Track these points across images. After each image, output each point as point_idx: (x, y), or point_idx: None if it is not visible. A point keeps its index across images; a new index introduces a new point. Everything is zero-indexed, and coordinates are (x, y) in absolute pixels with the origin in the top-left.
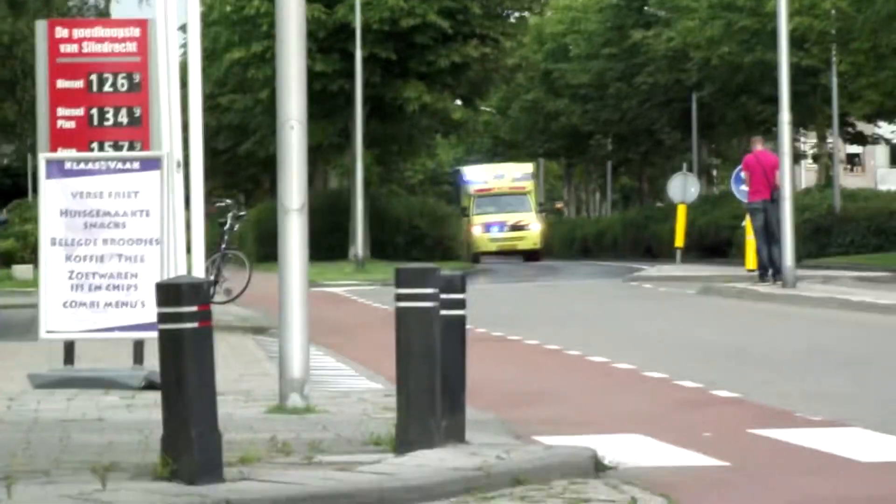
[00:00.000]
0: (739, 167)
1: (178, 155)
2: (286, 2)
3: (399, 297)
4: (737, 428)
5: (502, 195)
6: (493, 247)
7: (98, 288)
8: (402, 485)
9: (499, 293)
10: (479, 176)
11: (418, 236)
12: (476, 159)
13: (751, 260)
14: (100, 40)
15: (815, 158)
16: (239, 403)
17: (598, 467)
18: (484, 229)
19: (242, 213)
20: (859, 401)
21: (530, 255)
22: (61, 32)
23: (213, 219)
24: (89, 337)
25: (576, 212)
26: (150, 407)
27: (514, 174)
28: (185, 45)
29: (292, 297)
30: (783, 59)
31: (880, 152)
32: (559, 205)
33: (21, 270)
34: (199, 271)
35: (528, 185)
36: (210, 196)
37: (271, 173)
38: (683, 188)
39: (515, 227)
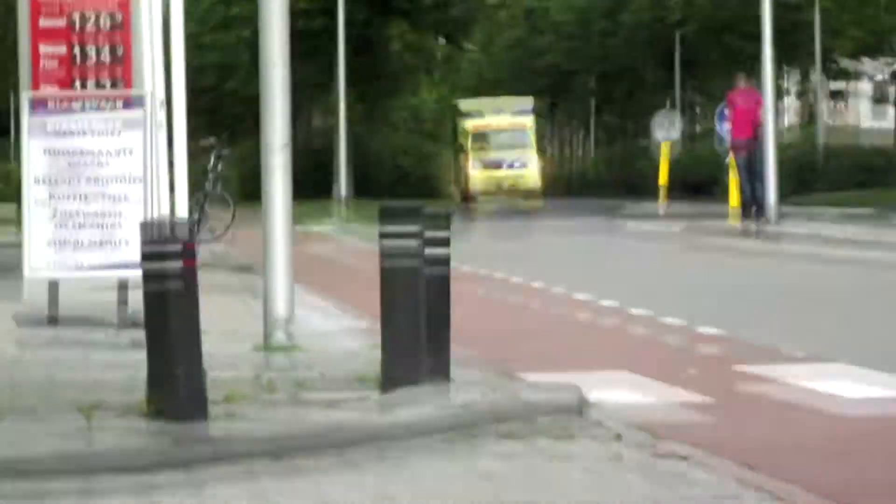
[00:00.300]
0: (723, 104)
1: (161, 93)
2: None
3: (383, 235)
4: (721, 365)
5: (501, 131)
6: (491, 186)
7: (82, 226)
8: (387, 422)
9: (483, 230)
10: (476, 110)
11: (403, 174)
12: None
13: (734, 197)
14: None
15: (799, 95)
16: (223, 342)
17: (583, 404)
18: (482, 167)
19: (226, 151)
20: (843, 337)
21: (529, 194)
22: None
23: (197, 157)
24: (74, 275)
25: (559, 150)
26: (135, 345)
27: (514, 108)
28: None
29: (276, 235)
30: None
31: (863, 89)
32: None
33: (5, 210)
34: (182, 210)
35: (529, 120)
36: (194, 134)
37: (255, 112)
38: (667, 125)
39: (515, 165)
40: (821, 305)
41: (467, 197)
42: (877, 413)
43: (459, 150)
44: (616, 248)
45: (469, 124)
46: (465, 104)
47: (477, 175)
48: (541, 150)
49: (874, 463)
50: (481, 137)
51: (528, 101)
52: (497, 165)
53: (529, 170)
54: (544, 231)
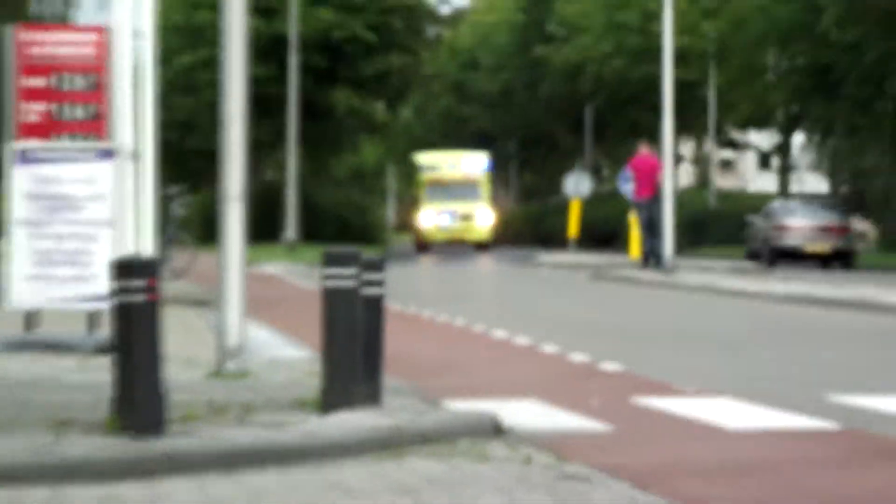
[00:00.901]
0: (625, 167)
1: (131, 147)
2: (230, 14)
3: (325, 276)
4: (620, 396)
5: (454, 184)
6: (440, 236)
7: (58, 263)
8: (324, 442)
9: (413, 275)
10: (432, 164)
11: (344, 223)
12: (396, 158)
13: (635, 249)
14: (62, 44)
15: (694, 161)
16: (181, 368)
17: (497, 429)
18: (433, 218)
19: (189, 197)
20: (729, 374)
21: (479, 246)
22: (28, 36)
23: (162, 204)
24: (49, 306)
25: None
26: (102, 369)
27: (468, 163)
28: (138, 49)
29: (231, 275)
30: (667, 73)
31: (750, 157)
32: None
33: None
34: (147, 250)
35: (482, 175)
36: (159, 184)
37: (214, 165)
38: (576, 184)
39: (465, 217)
40: (709, 346)
41: (420, 245)
42: (757, 439)
43: (414, 200)
44: (529, 292)
45: (424, 176)
46: (422, 157)
47: (429, 226)
48: (493, 203)
49: (755, 480)
50: (435, 189)
51: (482, 157)
52: (449, 216)
53: (479, 223)
54: (466, 276)
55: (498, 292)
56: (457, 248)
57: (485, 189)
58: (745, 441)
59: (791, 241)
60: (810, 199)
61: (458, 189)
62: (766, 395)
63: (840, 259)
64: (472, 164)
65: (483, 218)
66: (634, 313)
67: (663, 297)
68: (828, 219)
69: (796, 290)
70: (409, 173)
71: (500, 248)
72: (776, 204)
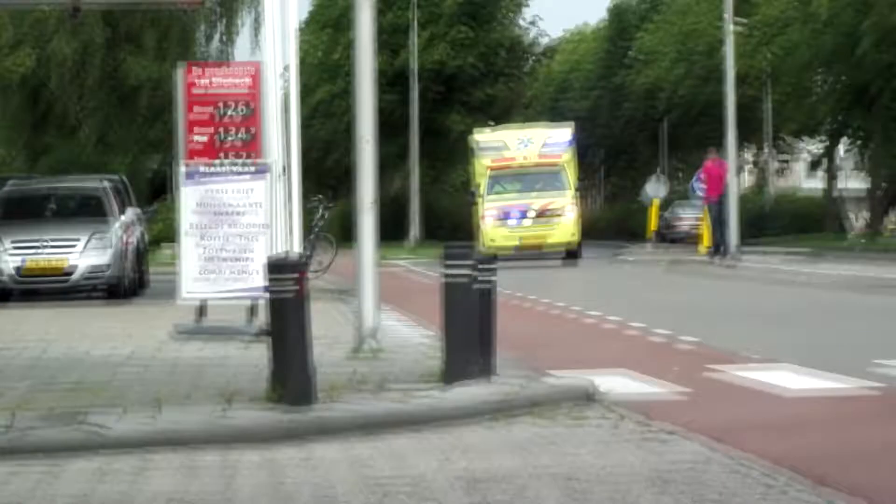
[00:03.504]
0: (697, 172)
1: (281, 164)
2: (361, 52)
3: (445, 268)
4: (696, 366)
5: (527, 170)
6: (511, 242)
7: (223, 261)
8: (447, 409)
9: (507, 267)
10: (496, 143)
11: (459, 224)
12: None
13: (706, 238)
14: (224, 77)
15: (755, 165)
16: (327, 348)
17: (592, 395)
18: (499, 218)
19: (331, 205)
20: (787, 345)
21: (568, 253)
22: (195, 73)
23: (308, 211)
24: (216, 297)
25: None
26: (262, 350)
27: (546, 140)
28: (286, 82)
29: (366, 270)
30: (730, 93)
31: (801, 162)
32: None
33: (166, 250)
34: (297, 250)
35: (565, 155)
36: (305, 194)
37: (350, 179)
38: (655, 188)
39: (544, 215)
40: (770, 321)
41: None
42: (812, 400)
43: (471, 196)
44: (617, 279)
45: (485, 161)
46: (481, 135)
47: (493, 230)
48: (579, 193)
49: (810, 436)
50: (501, 178)
51: (564, 129)
52: (520, 216)
53: (563, 221)
54: (563, 267)
55: (587, 282)
56: (533, 257)
57: (570, 174)
58: (801, 402)
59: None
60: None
61: (533, 176)
62: (819, 362)
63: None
64: (551, 140)
65: (568, 215)
66: (706, 295)
67: (730, 281)
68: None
69: (844, 272)
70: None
71: (589, 241)
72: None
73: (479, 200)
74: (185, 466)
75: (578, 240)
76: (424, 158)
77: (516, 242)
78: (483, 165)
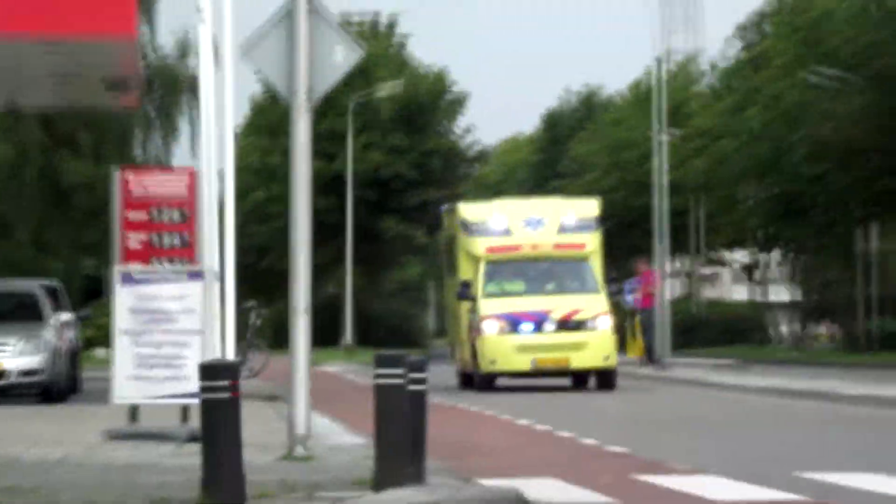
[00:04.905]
0: (628, 281)
1: (215, 268)
2: (297, 158)
3: (377, 375)
4: (624, 474)
5: (540, 261)
6: (522, 363)
7: (156, 366)
8: None
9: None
10: (495, 220)
11: (392, 331)
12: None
13: (636, 349)
14: (160, 181)
15: (687, 276)
16: (258, 453)
17: (522, 502)
18: (505, 328)
19: (264, 311)
20: (714, 454)
21: (600, 377)
22: (131, 177)
23: (241, 315)
24: (148, 402)
25: None
26: (193, 455)
27: (564, 219)
28: (221, 187)
29: (299, 374)
30: (661, 203)
31: (727, 271)
32: None
33: (99, 352)
34: (230, 355)
35: (592, 240)
36: (239, 299)
37: (285, 282)
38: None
39: (568, 324)
40: (698, 431)
41: (467, 377)
42: None
43: (462, 293)
44: (546, 388)
45: (478, 246)
46: (470, 209)
47: (496, 345)
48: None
49: None
50: (502, 271)
51: (589, 204)
52: (535, 326)
53: (596, 335)
54: None
55: (519, 390)
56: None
57: (597, 265)
58: None
59: None
60: None
61: (548, 269)
62: (745, 472)
63: None
64: (571, 219)
65: (602, 325)
66: (635, 403)
67: (660, 389)
68: None
69: (770, 383)
70: (447, 239)
71: None
72: None
73: (474, 301)
74: None
75: (615, 362)
76: (359, 263)
77: (528, 365)
78: (475, 251)
